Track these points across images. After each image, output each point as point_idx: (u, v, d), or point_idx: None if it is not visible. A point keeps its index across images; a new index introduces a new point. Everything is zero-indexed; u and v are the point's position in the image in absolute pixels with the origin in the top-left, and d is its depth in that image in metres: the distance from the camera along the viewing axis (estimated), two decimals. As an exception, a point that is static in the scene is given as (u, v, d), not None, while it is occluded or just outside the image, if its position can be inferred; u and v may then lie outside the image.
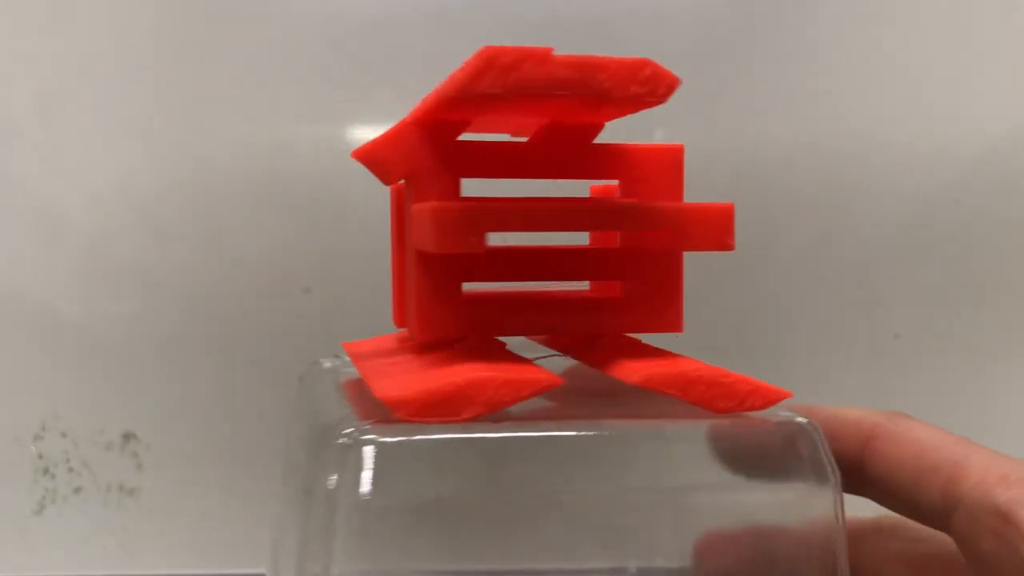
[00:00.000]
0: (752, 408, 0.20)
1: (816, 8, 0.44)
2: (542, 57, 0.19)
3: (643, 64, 0.19)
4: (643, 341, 0.24)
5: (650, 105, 0.20)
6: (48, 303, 0.45)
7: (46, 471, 0.45)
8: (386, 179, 0.22)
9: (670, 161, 0.24)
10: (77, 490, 0.45)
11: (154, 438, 0.45)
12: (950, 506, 0.21)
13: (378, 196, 0.44)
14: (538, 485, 0.21)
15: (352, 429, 0.19)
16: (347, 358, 0.27)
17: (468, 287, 0.23)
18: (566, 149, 0.23)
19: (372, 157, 0.22)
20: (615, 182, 0.24)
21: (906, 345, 0.44)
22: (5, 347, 0.45)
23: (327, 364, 0.29)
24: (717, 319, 0.43)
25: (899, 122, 0.44)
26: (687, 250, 0.22)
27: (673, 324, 0.24)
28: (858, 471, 0.23)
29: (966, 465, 0.21)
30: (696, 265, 0.43)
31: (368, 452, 0.19)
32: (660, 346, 0.24)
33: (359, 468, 0.19)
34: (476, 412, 0.19)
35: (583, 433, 0.20)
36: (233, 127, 0.44)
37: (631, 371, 0.21)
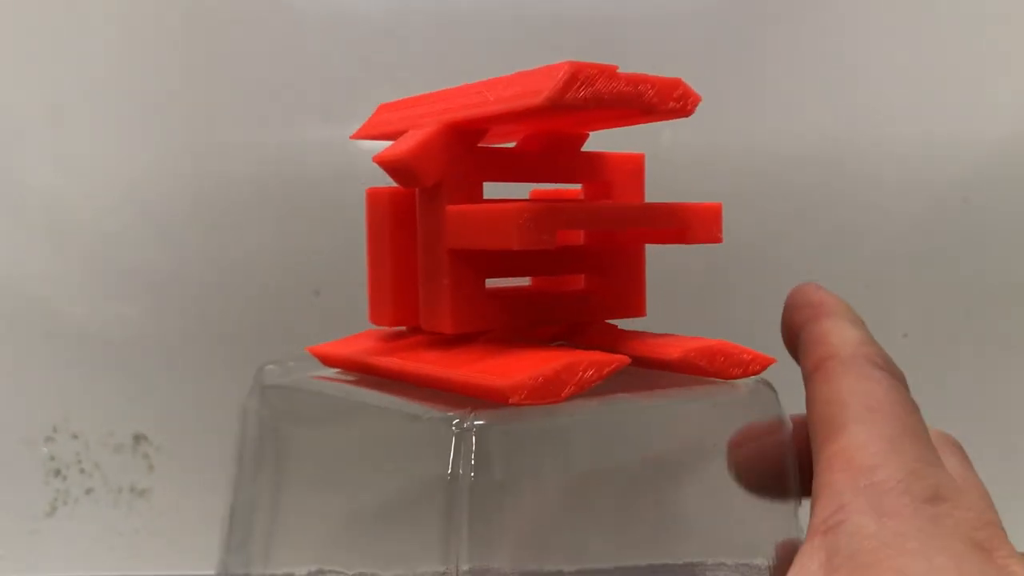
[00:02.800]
0: (753, 373, 0.24)
1: (825, 6, 0.44)
2: (611, 74, 0.21)
3: (676, 83, 0.22)
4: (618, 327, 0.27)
5: (680, 116, 0.23)
6: (58, 306, 0.45)
7: (57, 473, 0.46)
8: (412, 184, 0.23)
9: (635, 167, 0.28)
10: (88, 491, 0.46)
11: (164, 439, 0.46)
12: (813, 469, 0.20)
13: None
14: (640, 449, 0.24)
15: (467, 417, 0.20)
16: (291, 363, 0.28)
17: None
18: (561, 156, 0.26)
19: (402, 163, 0.23)
20: (578, 186, 0.27)
21: (914, 344, 0.44)
22: (16, 350, 0.45)
23: (275, 369, 0.29)
24: (725, 317, 0.44)
25: (907, 121, 0.44)
26: (690, 243, 0.25)
27: (639, 309, 0.27)
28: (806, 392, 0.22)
29: (840, 432, 0.20)
30: (705, 264, 0.43)
31: (499, 436, 0.20)
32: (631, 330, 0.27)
33: (494, 454, 0.20)
34: (572, 392, 0.21)
35: (657, 403, 0.24)
36: (241, 130, 0.45)
37: (668, 349, 0.24)
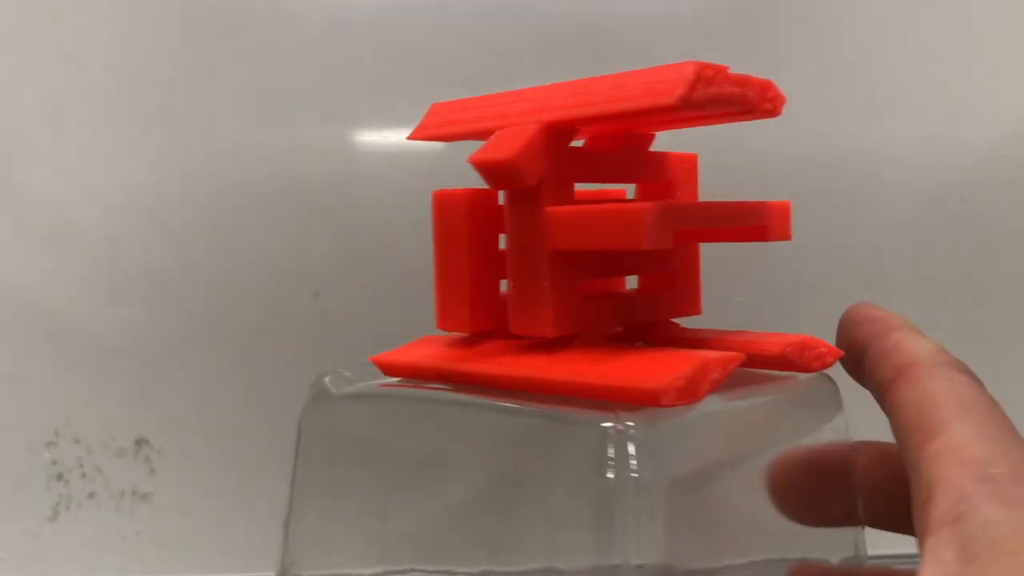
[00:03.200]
0: (829, 365, 0.25)
1: (821, 7, 0.44)
2: (724, 74, 0.22)
3: (768, 85, 0.23)
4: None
5: (770, 117, 0.23)
6: (59, 309, 0.45)
7: (60, 477, 0.46)
8: (512, 185, 0.23)
9: (691, 166, 0.28)
10: (91, 495, 0.46)
11: (167, 443, 0.46)
12: (911, 467, 0.20)
13: (386, 200, 0.45)
14: (757, 444, 0.25)
15: (621, 419, 0.20)
16: (347, 373, 0.28)
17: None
18: (634, 155, 0.26)
19: (507, 164, 0.22)
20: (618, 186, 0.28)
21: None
22: (17, 353, 0.45)
23: (342, 379, 0.29)
24: (723, 316, 0.44)
25: (903, 120, 0.44)
26: (767, 240, 0.25)
27: (696, 308, 0.28)
28: (884, 403, 0.22)
29: (941, 430, 0.20)
30: (703, 260, 0.43)
31: (655, 437, 0.20)
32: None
33: (650, 454, 0.20)
34: (706, 391, 0.21)
35: (769, 398, 0.25)
36: (242, 131, 0.45)
37: (763, 345, 0.25)
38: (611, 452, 0.20)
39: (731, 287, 0.44)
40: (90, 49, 0.45)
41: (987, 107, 0.45)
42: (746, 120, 0.24)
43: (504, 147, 0.22)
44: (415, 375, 0.26)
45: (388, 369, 0.27)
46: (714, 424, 0.22)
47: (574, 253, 0.23)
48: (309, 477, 0.27)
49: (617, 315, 0.25)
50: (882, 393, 0.23)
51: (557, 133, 0.23)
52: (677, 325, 0.27)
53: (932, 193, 0.45)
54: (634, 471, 0.20)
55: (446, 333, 0.26)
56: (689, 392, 0.21)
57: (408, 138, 0.27)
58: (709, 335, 0.26)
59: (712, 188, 0.43)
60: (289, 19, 0.45)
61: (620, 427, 0.20)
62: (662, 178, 0.27)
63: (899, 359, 0.23)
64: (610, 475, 0.20)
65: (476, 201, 0.25)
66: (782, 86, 0.23)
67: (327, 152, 0.45)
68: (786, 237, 0.25)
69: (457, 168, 0.43)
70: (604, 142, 0.26)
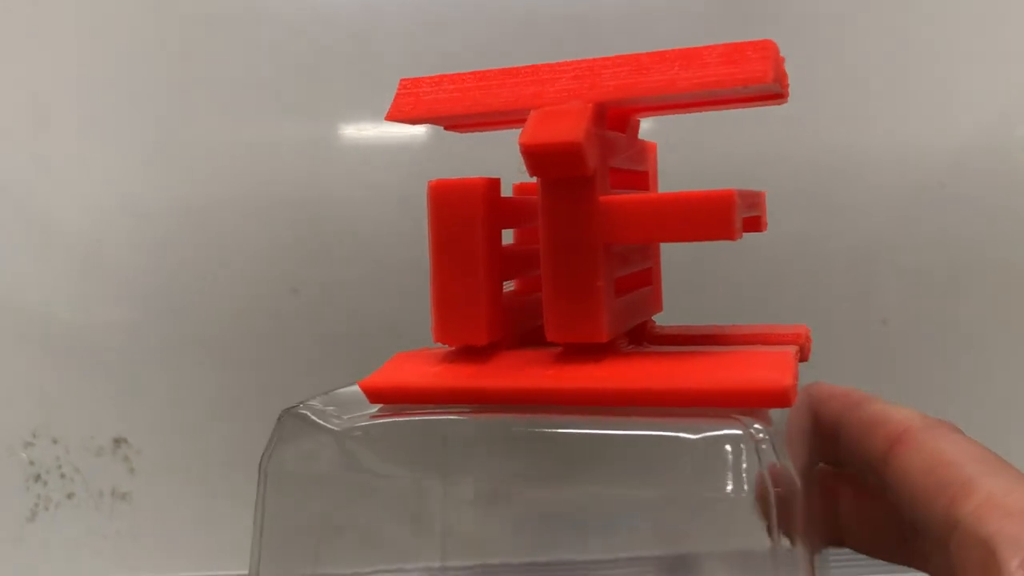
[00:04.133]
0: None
1: (808, 8, 0.44)
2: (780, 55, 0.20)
3: (784, 72, 0.22)
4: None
5: (781, 103, 0.22)
6: (36, 308, 0.44)
7: (38, 478, 0.45)
8: (569, 172, 0.20)
9: (655, 155, 0.27)
10: (69, 496, 0.45)
11: (145, 442, 0.45)
12: (948, 529, 0.19)
13: (365, 194, 0.44)
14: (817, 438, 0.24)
15: (746, 427, 0.19)
16: (318, 404, 0.23)
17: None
18: (635, 141, 0.25)
19: (572, 148, 0.19)
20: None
21: (894, 331, 0.44)
22: (-7, 354, 0.45)
23: (329, 411, 0.23)
24: (706, 307, 0.44)
25: (886, 112, 0.44)
26: (760, 231, 0.24)
27: (661, 306, 0.27)
28: (881, 473, 0.22)
29: (972, 487, 0.19)
30: (687, 254, 0.43)
31: (777, 443, 0.19)
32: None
33: (775, 461, 0.19)
34: (796, 391, 0.20)
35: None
36: (221, 128, 0.44)
37: (777, 337, 0.24)
38: (744, 463, 0.18)
39: (712, 277, 0.44)
40: (74, 52, 0.44)
41: (967, 98, 0.45)
42: (766, 105, 0.23)
43: (564, 129, 0.20)
44: (425, 399, 0.22)
45: (384, 395, 0.22)
46: (786, 421, 0.21)
47: (618, 249, 0.21)
48: (288, 540, 0.23)
49: (631, 316, 0.24)
50: (878, 464, 0.22)
51: (604, 115, 0.21)
52: (654, 323, 0.26)
53: (913, 181, 0.45)
54: (771, 481, 0.19)
55: (438, 347, 0.23)
56: (794, 393, 0.20)
57: (386, 119, 0.23)
58: (712, 331, 0.25)
59: (710, 179, 0.43)
60: (268, 15, 0.44)
61: (757, 435, 0.19)
62: (643, 167, 0.26)
63: (890, 428, 0.22)
64: (736, 487, 0.18)
65: (489, 192, 0.22)
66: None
67: (305, 147, 0.44)
68: (763, 228, 0.25)
69: (440, 161, 0.43)
70: (617, 125, 0.24)
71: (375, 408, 0.22)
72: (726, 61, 0.20)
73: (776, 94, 0.21)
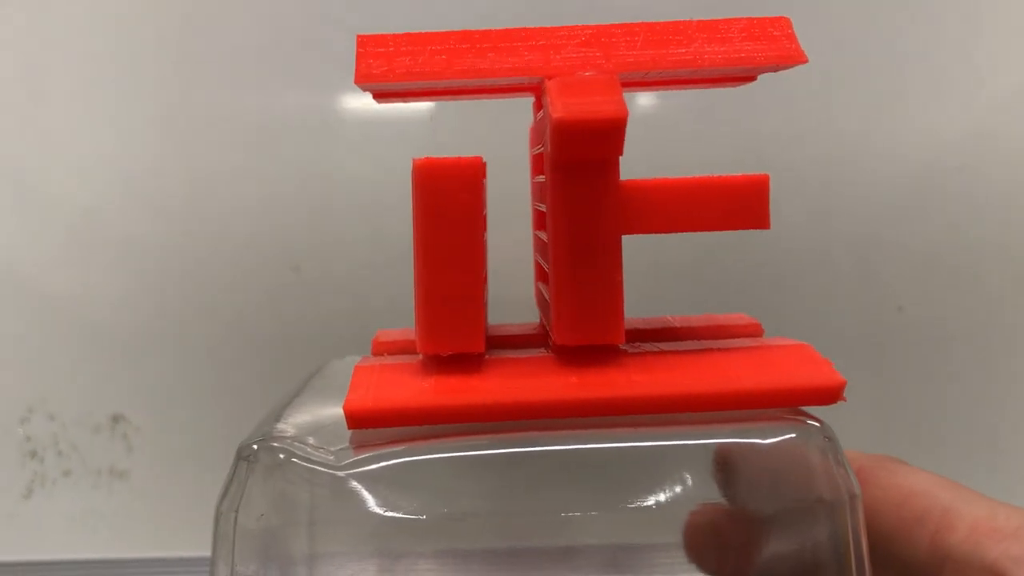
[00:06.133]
0: None
1: (808, 3, 0.43)
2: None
3: None
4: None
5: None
6: (34, 281, 0.44)
7: (34, 454, 0.45)
8: (608, 152, 0.18)
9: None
10: (66, 473, 0.45)
11: (144, 420, 0.45)
12: (938, 560, 0.19)
13: (368, 170, 0.44)
14: None
15: (815, 427, 0.19)
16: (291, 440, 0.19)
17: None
18: None
19: (617, 124, 0.17)
20: None
21: (911, 317, 0.43)
22: (-11, 328, 0.44)
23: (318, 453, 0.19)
24: (717, 296, 0.43)
25: (901, 96, 0.43)
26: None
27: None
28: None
29: (955, 514, 0.19)
30: (691, 243, 0.42)
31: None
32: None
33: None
34: None
35: None
36: (226, 102, 0.43)
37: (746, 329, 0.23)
38: (833, 463, 0.18)
39: (724, 267, 0.43)
40: (69, 19, 0.43)
41: (978, 82, 0.44)
42: (743, 84, 0.22)
43: (604, 103, 0.17)
44: (425, 420, 0.18)
45: (373, 419, 0.18)
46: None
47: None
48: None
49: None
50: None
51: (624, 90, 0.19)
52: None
53: (926, 164, 0.44)
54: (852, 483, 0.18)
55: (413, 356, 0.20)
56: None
57: (355, 82, 0.21)
58: (676, 323, 0.24)
59: (722, 166, 0.42)
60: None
61: (827, 434, 0.18)
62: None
63: None
64: (828, 488, 0.18)
65: (481, 175, 0.19)
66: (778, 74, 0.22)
67: (307, 120, 0.43)
68: None
69: (443, 135, 0.42)
70: None
71: (359, 433, 0.19)
72: (750, 37, 0.19)
73: (749, 77, 0.21)
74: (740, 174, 0.18)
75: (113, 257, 0.44)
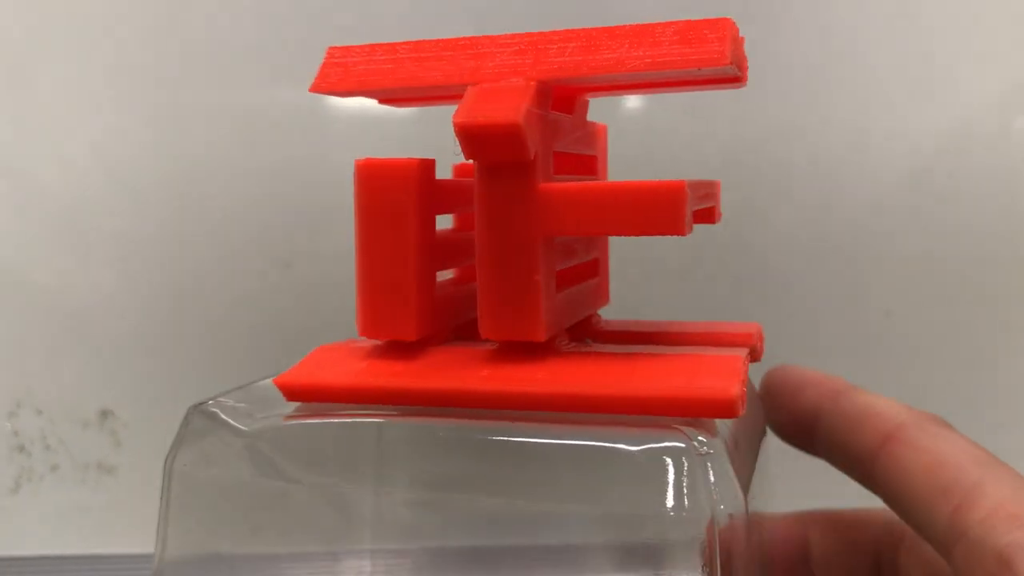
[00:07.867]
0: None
1: (801, 5, 0.43)
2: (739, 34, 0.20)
3: (743, 54, 0.20)
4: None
5: (740, 85, 0.21)
6: (20, 275, 0.44)
7: (21, 449, 0.44)
8: (507, 156, 0.19)
9: (604, 138, 0.25)
10: (54, 468, 0.44)
11: (132, 415, 0.44)
12: (954, 536, 0.19)
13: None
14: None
15: (690, 439, 0.18)
16: (231, 402, 0.22)
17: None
18: (584, 123, 0.24)
19: (509, 130, 0.18)
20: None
21: (898, 322, 0.43)
22: (-23, 322, 0.44)
23: (244, 408, 0.22)
24: (705, 297, 0.43)
25: (889, 98, 0.43)
26: (713, 223, 0.23)
27: (607, 298, 0.26)
28: (870, 469, 0.21)
29: (980, 492, 0.19)
30: (685, 245, 0.42)
31: (725, 455, 0.19)
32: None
33: (721, 476, 0.18)
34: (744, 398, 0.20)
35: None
36: (209, 93, 0.43)
37: (729, 336, 0.23)
38: (686, 478, 0.17)
39: (712, 268, 0.43)
40: (54, 10, 0.43)
41: (967, 83, 0.44)
42: (713, 90, 0.22)
43: (501, 109, 0.18)
44: (347, 398, 0.20)
45: (301, 393, 0.21)
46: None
47: (562, 239, 0.20)
48: (194, 545, 0.22)
49: (573, 312, 0.22)
50: (866, 460, 0.21)
51: (548, 95, 0.20)
52: (600, 318, 0.25)
53: (913, 169, 0.44)
54: (719, 500, 0.17)
55: (367, 342, 0.21)
56: (743, 400, 0.18)
57: (311, 90, 0.22)
58: (659, 328, 0.24)
59: (711, 167, 0.42)
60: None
61: (701, 448, 0.17)
62: (591, 150, 0.24)
63: (880, 423, 0.21)
64: (698, 504, 0.17)
65: (423, 174, 0.20)
66: (763, 65, 0.21)
67: (297, 114, 0.43)
68: (716, 220, 0.23)
69: (430, 135, 0.42)
70: (563, 106, 0.22)
71: (292, 407, 0.21)
72: (681, 40, 0.19)
73: (733, 77, 0.20)
74: (657, 180, 0.18)
75: (103, 252, 0.44)
